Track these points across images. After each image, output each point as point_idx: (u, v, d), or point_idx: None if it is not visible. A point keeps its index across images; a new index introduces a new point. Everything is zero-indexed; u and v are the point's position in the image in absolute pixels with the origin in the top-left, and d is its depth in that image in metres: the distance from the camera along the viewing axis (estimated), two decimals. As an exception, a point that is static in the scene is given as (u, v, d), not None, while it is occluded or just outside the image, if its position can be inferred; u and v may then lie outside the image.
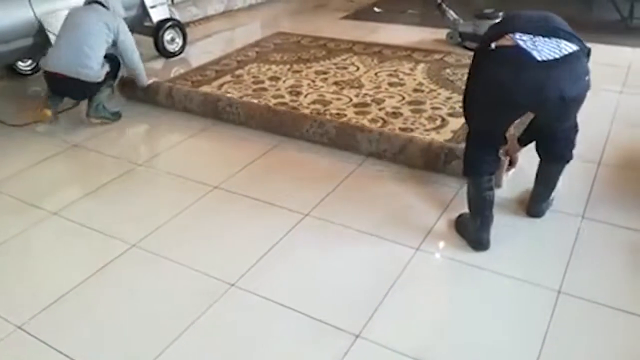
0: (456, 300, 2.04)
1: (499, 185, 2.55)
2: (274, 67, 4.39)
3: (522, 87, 1.94)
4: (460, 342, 1.84)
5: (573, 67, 1.96)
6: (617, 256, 2.19)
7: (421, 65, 4.28)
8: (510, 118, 2.20)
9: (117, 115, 3.59)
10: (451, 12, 4.66)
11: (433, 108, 3.52)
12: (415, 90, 3.81)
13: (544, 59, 1.90)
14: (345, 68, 4.29)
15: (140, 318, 2.01)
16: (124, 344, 1.90)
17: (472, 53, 2.21)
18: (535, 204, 2.44)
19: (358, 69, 4.27)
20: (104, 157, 3.17)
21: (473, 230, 2.26)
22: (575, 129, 2.30)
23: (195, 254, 2.31)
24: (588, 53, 2.02)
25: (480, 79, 2.09)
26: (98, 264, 2.27)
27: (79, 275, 2.21)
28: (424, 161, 2.84)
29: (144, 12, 4.51)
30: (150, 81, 3.74)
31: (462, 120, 3.20)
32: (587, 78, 2.00)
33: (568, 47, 1.93)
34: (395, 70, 4.20)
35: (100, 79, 3.36)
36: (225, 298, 2.06)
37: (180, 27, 4.79)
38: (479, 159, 2.25)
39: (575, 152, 2.36)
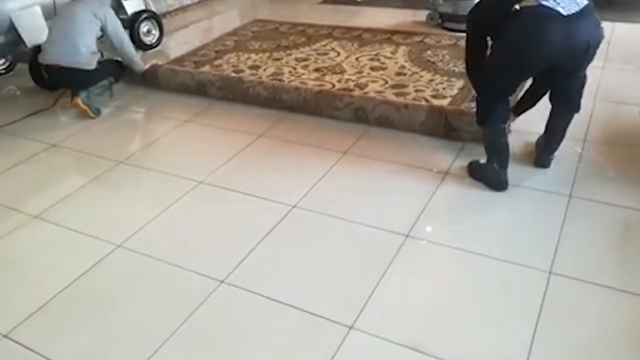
0: (447, 285, 2.03)
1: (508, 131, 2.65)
2: (253, 55, 4.32)
3: (553, 39, 2.10)
4: (453, 327, 1.84)
5: (591, 16, 2.16)
6: (607, 234, 2.20)
7: (402, 48, 4.24)
8: (536, 70, 2.31)
9: (97, 111, 3.57)
10: (431, -8, 4.63)
11: (417, 91, 3.49)
12: (398, 74, 3.78)
13: (569, 13, 2.08)
14: (325, 54, 4.24)
15: (131, 320, 1.97)
16: (115, 348, 1.87)
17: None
18: (545, 154, 2.61)
19: (339, 54, 4.22)
20: (85, 155, 3.10)
21: (493, 173, 2.47)
22: (585, 78, 2.46)
23: (183, 251, 2.27)
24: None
25: (506, 39, 2.21)
26: (84, 266, 2.22)
27: (64, 279, 2.16)
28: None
29: (118, 4, 4.42)
30: (147, 65, 3.81)
31: (446, 102, 3.21)
32: (601, 25, 2.22)
33: (583, 0, 2.13)
34: (376, 54, 4.16)
35: (92, 67, 3.44)
36: (215, 295, 2.03)
37: (156, 18, 4.69)
38: (495, 111, 2.42)
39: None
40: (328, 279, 2.08)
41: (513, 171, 2.55)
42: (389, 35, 4.52)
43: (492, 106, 2.42)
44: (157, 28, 4.70)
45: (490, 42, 2.39)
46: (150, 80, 3.89)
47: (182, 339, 1.86)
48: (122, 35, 3.61)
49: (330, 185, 2.64)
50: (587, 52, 2.20)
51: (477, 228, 2.29)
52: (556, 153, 2.63)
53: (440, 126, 2.97)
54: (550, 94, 2.51)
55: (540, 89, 2.55)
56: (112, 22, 3.53)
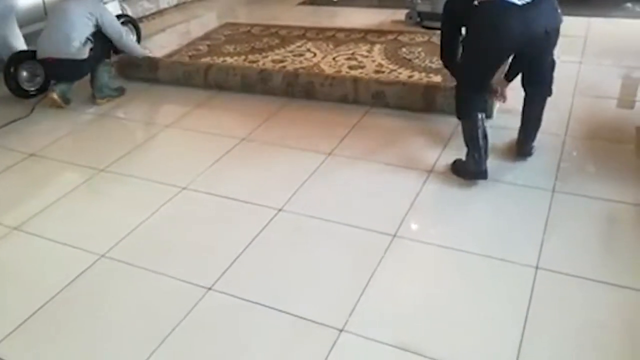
0: (436, 284, 2.03)
1: (489, 116, 2.86)
2: (228, 59, 4.29)
3: (511, 30, 2.23)
4: (443, 326, 1.83)
5: (547, 3, 2.27)
6: (591, 227, 2.22)
7: (377, 47, 4.26)
8: (501, 60, 2.47)
9: (120, 91, 3.80)
10: (408, -9, 4.64)
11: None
12: (377, 72, 3.79)
13: (524, 2, 2.21)
14: (301, 55, 4.23)
15: (117, 332, 1.93)
16: (103, 358, 1.84)
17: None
18: (526, 143, 2.67)
19: (315, 55, 4.21)
20: (65, 164, 3.04)
21: (472, 164, 2.51)
22: (553, 63, 2.56)
23: (168, 259, 2.24)
24: None
25: (471, 33, 2.40)
26: (67, 278, 2.17)
27: (47, 292, 2.11)
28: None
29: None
30: (148, 51, 3.99)
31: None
32: (559, 11, 2.33)
33: None
34: (352, 54, 4.16)
35: (83, 57, 3.57)
36: (203, 303, 2.00)
37: (133, 22, 4.63)
38: (471, 102, 2.51)
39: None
40: (317, 282, 2.07)
41: (496, 167, 2.57)
42: (363, 35, 4.53)
43: (469, 97, 2.51)
44: (135, 32, 4.63)
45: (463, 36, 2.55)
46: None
47: (170, 348, 1.83)
48: (119, 28, 3.75)
49: (315, 187, 2.63)
50: (547, 38, 2.31)
51: (463, 225, 2.29)
52: (536, 144, 2.68)
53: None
54: (522, 79, 2.61)
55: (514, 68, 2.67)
56: (107, 17, 3.67)
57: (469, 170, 2.54)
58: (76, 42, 3.53)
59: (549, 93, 2.60)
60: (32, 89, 3.85)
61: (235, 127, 3.22)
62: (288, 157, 2.91)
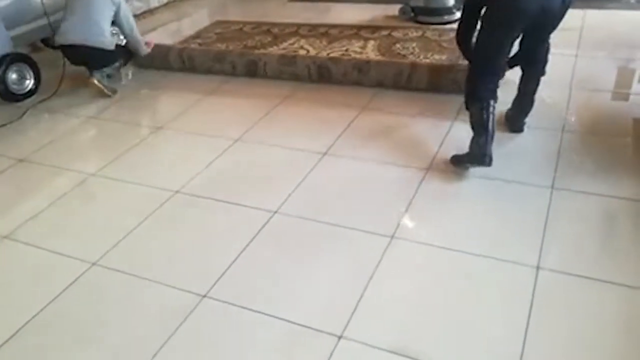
0: (435, 286, 1.98)
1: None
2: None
3: None
4: (444, 329, 1.80)
5: None
6: (592, 225, 2.19)
7: (371, 43, 4.20)
8: (519, 29, 2.48)
9: (114, 91, 3.81)
10: (401, -14, 4.59)
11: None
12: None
13: None
14: (295, 52, 4.16)
15: (111, 342, 1.88)
16: (95, 372, 1.79)
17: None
18: (519, 118, 2.81)
19: (308, 52, 4.15)
20: (55, 169, 2.98)
21: (477, 149, 2.47)
22: (549, 45, 2.71)
23: (162, 266, 2.19)
24: None
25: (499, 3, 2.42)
26: (59, 287, 2.13)
27: (39, 303, 2.06)
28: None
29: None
30: (149, 50, 4.01)
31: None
32: None
33: None
34: (346, 50, 4.10)
35: (111, 47, 3.68)
36: (197, 311, 1.96)
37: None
38: (483, 86, 2.52)
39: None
40: (314, 288, 2.02)
41: (494, 166, 2.53)
42: (356, 31, 4.47)
43: (481, 81, 2.54)
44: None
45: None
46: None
47: (166, 359, 1.79)
48: (132, 22, 3.83)
49: (311, 188, 2.58)
50: (562, 8, 2.42)
51: (462, 225, 2.25)
52: (527, 120, 2.80)
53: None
54: (521, 61, 2.74)
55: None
56: (124, 8, 3.74)
57: (473, 156, 2.50)
58: (107, 32, 3.65)
59: (543, 73, 2.74)
60: (21, 92, 3.80)
61: (229, 129, 3.17)
62: (283, 156, 2.86)
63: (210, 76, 3.96)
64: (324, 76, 3.65)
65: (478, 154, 2.47)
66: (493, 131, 2.48)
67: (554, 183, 2.43)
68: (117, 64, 3.89)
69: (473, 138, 2.52)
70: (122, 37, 3.85)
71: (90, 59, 3.73)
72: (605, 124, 2.88)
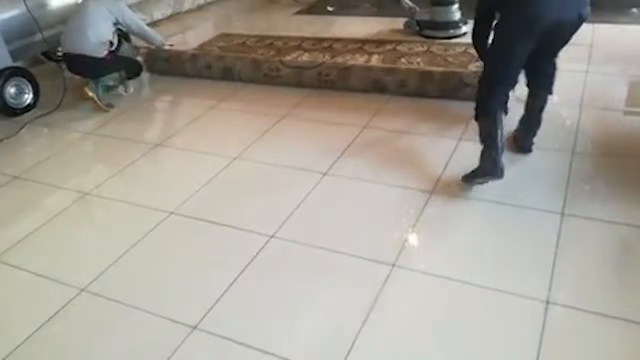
0: (440, 320, 1.88)
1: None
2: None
3: (551, 7, 2.30)
4: (448, 371, 1.69)
5: None
6: (605, 255, 2.07)
7: (375, 57, 4.13)
8: (534, 38, 2.40)
9: (110, 106, 3.77)
10: (407, 0, 4.50)
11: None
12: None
13: None
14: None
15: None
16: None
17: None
18: (526, 138, 2.71)
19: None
20: (49, 188, 2.91)
21: (491, 163, 2.42)
22: (556, 67, 2.67)
23: (152, 295, 2.10)
24: None
25: (511, 7, 2.39)
26: (46, 314, 2.04)
27: (25, 330, 1.98)
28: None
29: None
30: (168, 44, 4.14)
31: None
32: (589, 7, 2.39)
33: None
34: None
35: (99, 55, 3.70)
36: (187, 345, 1.86)
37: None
38: (495, 97, 2.49)
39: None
40: (310, 322, 1.91)
41: (501, 189, 2.43)
42: (361, 45, 4.39)
43: (493, 91, 2.50)
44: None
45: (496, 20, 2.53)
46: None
47: (151, 397, 1.70)
48: (139, 22, 3.93)
49: (310, 210, 2.49)
50: (577, 23, 2.40)
51: (468, 254, 2.14)
52: (535, 141, 2.71)
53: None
54: (528, 78, 2.69)
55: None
56: (127, 14, 3.84)
57: (487, 170, 2.44)
58: (93, 40, 3.67)
59: (551, 92, 2.68)
60: (19, 107, 3.74)
61: (227, 147, 3.08)
62: (281, 178, 2.77)
63: (224, 83, 3.97)
64: (334, 83, 3.65)
65: (490, 167, 2.42)
66: (503, 144, 2.44)
67: (564, 209, 2.32)
68: (115, 75, 3.86)
69: (483, 152, 2.46)
70: (114, 46, 3.87)
71: (84, 67, 3.79)
72: (618, 145, 2.77)
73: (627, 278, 1.96)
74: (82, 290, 2.15)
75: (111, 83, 3.87)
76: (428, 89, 3.40)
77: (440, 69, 3.55)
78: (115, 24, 3.79)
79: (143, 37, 4.02)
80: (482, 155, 2.46)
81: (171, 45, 4.22)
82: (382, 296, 1.97)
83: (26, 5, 3.70)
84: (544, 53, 2.54)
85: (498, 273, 2.02)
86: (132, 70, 4.00)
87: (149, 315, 2.00)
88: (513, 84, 2.55)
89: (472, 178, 2.50)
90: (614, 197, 2.38)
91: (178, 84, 4.11)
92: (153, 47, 4.14)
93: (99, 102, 3.71)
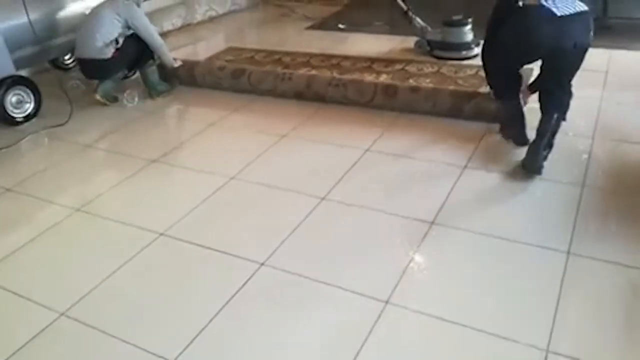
0: (431, 366, 1.76)
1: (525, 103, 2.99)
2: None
3: (544, 35, 2.51)
4: None
5: (583, 22, 2.53)
6: (612, 301, 1.93)
7: (383, 77, 4.03)
8: (528, 60, 2.76)
9: (173, 84, 4.08)
10: (418, 19, 4.41)
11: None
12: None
13: (562, 14, 2.49)
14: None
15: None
16: None
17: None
18: (535, 157, 2.61)
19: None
20: (39, 202, 2.84)
21: (516, 135, 2.85)
22: (570, 92, 2.75)
23: (134, 322, 2.01)
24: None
25: (509, 26, 2.64)
26: (22, 339, 1.95)
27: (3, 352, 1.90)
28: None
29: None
30: (178, 64, 4.11)
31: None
32: (591, 34, 2.55)
33: (581, 6, 2.52)
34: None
35: (105, 56, 3.76)
36: (163, 380, 1.76)
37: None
38: (503, 83, 2.87)
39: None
40: (298, 356, 1.81)
41: (506, 222, 2.32)
42: (370, 63, 4.30)
43: (500, 80, 2.88)
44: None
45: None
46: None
47: None
48: (151, 30, 3.91)
49: (303, 238, 2.39)
50: (574, 52, 2.54)
51: (466, 293, 2.03)
52: (546, 164, 2.64)
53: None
54: (540, 101, 2.78)
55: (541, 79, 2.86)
56: (138, 18, 3.83)
57: (515, 142, 2.86)
58: (99, 42, 3.72)
59: (563, 116, 2.73)
60: (20, 116, 3.70)
61: (227, 165, 3.00)
62: (277, 201, 2.68)
63: (232, 94, 3.97)
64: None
65: (519, 141, 2.82)
66: (524, 120, 2.80)
67: (570, 247, 2.19)
68: (119, 75, 3.97)
69: (510, 129, 2.87)
70: (119, 43, 3.84)
71: (94, 71, 3.89)
72: (631, 180, 2.63)
73: (634, 326, 1.83)
74: (61, 314, 2.07)
75: (156, 77, 4.04)
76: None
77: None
78: (124, 27, 3.82)
79: (151, 45, 3.94)
80: (508, 131, 2.91)
81: (181, 65, 4.15)
82: (371, 337, 1.86)
83: (27, 15, 3.64)
84: (551, 77, 2.72)
85: (496, 316, 1.90)
86: (142, 58, 3.96)
87: (124, 344, 1.90)
88: (515, 80, 2.85)
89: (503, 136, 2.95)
90: (624, 236, 2.24)
91: (187, 94, 4.11)
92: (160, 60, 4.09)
93: (107, 102, 3.89)
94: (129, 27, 3.83)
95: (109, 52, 3.77)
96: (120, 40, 3.84)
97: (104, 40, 3.73)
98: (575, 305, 1.92)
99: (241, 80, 3.94)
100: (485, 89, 3.23)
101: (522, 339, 1.79)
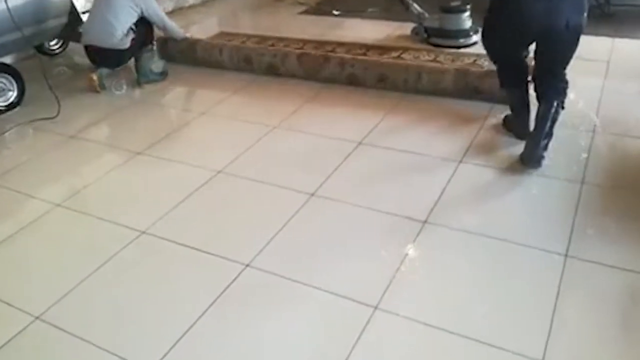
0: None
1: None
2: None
3: (535, 12, 2.46)
4: None
5: (576, 1, 2.47)
6: (611, 308, 1.85)
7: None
8: (522, 41, 2.68)
9: (164, 75, 3.97)
10: (415, 5, 4.27)
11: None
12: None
13: None
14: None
15: None
16: None
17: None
18: (534, 149, 2.54)
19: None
20: (19, 196, 2.74)
21: (518, 125, 2.82)
22: (566, 80, 2.68)
23: (109, 328, 1.92)
24: None
25: (503, 6, 2.61)
26: (-8, 345, 1.87)
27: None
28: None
29: (77, 18, 4.07)
30: (188, 34, 4.22)
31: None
32: (585, 15, 2.49)
33: None
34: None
35: (125, 46, 3.76)
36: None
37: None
38: (507, 72, 2.81)
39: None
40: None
41: (502, 222, 2.23)
42: (365, 51, 4.16)
43: (501, 66, 2.82)
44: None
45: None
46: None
47: None
48: (162, 16, 3.96)
49: (290, 237, 2.29)
50: (567, 32, 2.47)
51: (459, 298, 1.94)
52: (546, 155, 2.56)
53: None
54: (536, 91, 2.73)
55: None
56: (151, 6, 3.84)
57: (516, 133, 2.82)
58: (119, 33, 3.70)
59: (561, 103, 2.64)
60: (2, 104, 3.58)
61: (213, 159, 2.90)
62: (264, 197, 2.58)
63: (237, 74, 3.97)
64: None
65: (520, 132, 2.76)
66: (529, 110, 2.74)
67: (568, 249, 2.10)
68: (150, 56, 3.97)
69: (514, 118, 2.84)
70: (135, 33, 3.81)
71: (107, 59, 3.84)
72: (632, 176, 2.54)
73: (633, 333, 1.75)
74: (37, 317, 1.98)
75: (151, 63, 3.95)
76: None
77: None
78: (141, 16, 3.80)
79: (164, 30, 4.03)
80: (513, 120, 2.86)
81: (190, 35, 4.26)
82: (360, 343, 1.78)
83: (6, 2, 3.48)
84: (542, 64, 2.67)
85: (490, 325, 1.81)
86: (151, 35, 4.02)
87: (102, 351, 1.82)
88: (520, 64, 2.78)
89: (505, 127, 2.92)
90: (625, 237, 2.15)
91: (180, 74, 4.07)
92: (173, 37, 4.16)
93: (98, 87, 3.81)
94: (142, 16, 3.81)
95: (128, 42, 3.77)
96: (134, 27, 3.82)
97: (123, 30, 3.72)
98: (572, 312, 1.84)
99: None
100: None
101: (517, 350, 1.71)
